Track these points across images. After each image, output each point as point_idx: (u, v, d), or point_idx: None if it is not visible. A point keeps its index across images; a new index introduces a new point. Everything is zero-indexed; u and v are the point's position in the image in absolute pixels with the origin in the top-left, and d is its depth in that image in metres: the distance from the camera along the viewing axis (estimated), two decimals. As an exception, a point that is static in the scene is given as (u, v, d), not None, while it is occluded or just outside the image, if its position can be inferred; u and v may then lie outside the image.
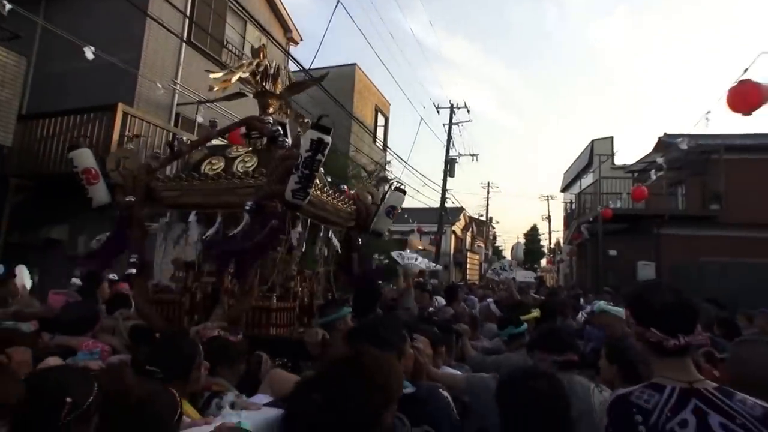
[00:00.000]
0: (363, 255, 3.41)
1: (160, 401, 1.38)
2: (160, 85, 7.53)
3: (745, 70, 4.77)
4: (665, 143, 15.42)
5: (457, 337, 3.15)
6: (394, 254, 4.13)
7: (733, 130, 14.07)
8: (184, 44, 9.32)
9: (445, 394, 1.95)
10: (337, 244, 3.12)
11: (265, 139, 2.91)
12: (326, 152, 2.30)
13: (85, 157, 2.71)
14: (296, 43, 14.11)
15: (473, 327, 4.52)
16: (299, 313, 2.93)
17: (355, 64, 18.88)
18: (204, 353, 1.97)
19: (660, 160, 11.00)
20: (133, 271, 2.63)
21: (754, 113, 4.68)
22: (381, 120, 21.24)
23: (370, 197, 3.44)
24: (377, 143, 20.37)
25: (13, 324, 2.47)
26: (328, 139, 2.28)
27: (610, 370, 2.34)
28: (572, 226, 19.32)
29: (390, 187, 3.35)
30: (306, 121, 3.14)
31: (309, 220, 2.81)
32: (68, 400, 1.27)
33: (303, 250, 2.89)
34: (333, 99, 11.20)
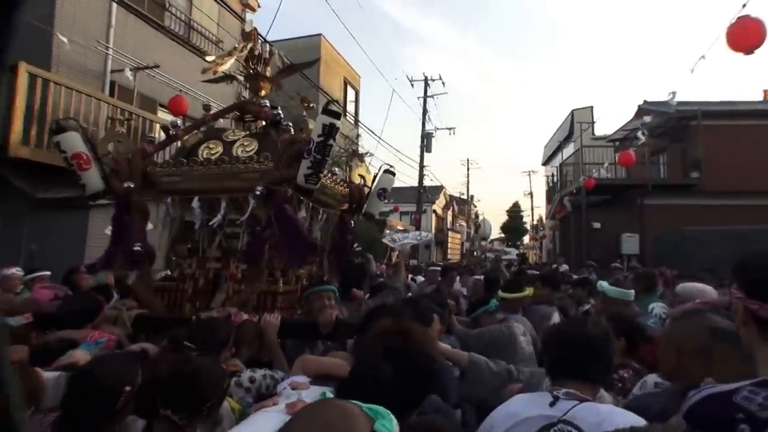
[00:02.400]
0: (355, 238, 3.64)
1: (213, 371, 1.63)
2: (65, 39, 6.85)
3: (744, 6, 4.77)
4: (645, 110, 16.08)
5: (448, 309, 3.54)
6: (386, 240, 4.37)
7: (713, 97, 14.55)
8: (114, 3, 8.71)
9: (453, 367, 2.29)
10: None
11: (260, 123, 3.09)
12: (336, 136, 2.50)
13: (73, 141, 2.71)
14: (253, 10, 13.54)
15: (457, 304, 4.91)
16: (300, 295, 3.16)
17: (320, 35, 18.81)
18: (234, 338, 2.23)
19: (642, 125, 11.53)
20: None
21: (754, 52, 4.60)
22: (351, 94, 21.25)
23: (361, 180, 3.66)
24: (347, 118, 20.39)
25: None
26: (339, 123, 2.48)
27: (616, 343, 2.62)
28: (555, 200, 19.91)
29: (380, 169, 3.56)
30: (312, 105, 3.31)
31: (311, 204, 3.01)
32: (126, 388, 1.51)
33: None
34: (313, 61, 11.14)
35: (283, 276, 3.04)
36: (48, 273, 4.92)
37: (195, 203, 2.77)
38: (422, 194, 24.39)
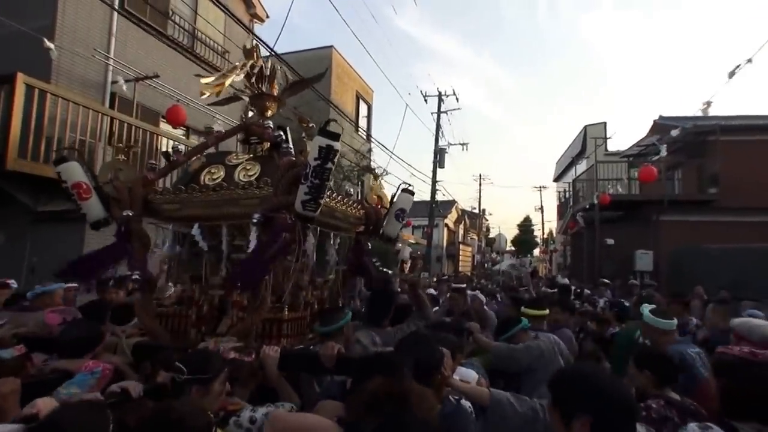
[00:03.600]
0: (372, 261, 3.47)
1: (198, 419, 1.46)
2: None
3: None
4: (661, 126, 15.79)
5: (467, 335, 3.37)
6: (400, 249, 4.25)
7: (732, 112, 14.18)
8: (115, 13, 8.45)
9: (467, 405, 2.07)
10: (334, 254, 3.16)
11: (266, 145, 2.94)
12: (336, 159, 2.33)
13: (73, 171, 2.67)
14: (261, 20, 13.32)
15: (482, 324, 4.69)
16: (309, 321, 2.99)
17: (332, 47, 18.54)
18: None
19: (657, 142, 11.28)
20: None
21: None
22: (364, 109, 21.17)
23: (378, 200, 3.48)
24: (360, 132, 20.34)
25: None
26: (338, 145, 2.29)
27: (642, 377, 2.46)
28: (566, 215, 19.63)
29: (398, 188, 3.38)
30: (311, 125, 3.16)
31: (318, 229, 2.84)
32: None
33: (315, 258, 2.93)
34: (320, 75, 10.94)
35: (292, 301, 2.88)
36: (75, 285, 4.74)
37: (195, 230, 2.63)
38: (434, 208, 24.26)
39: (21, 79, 6.10)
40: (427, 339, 2.18)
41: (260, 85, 3.03)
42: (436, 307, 5.54)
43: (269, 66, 3.03)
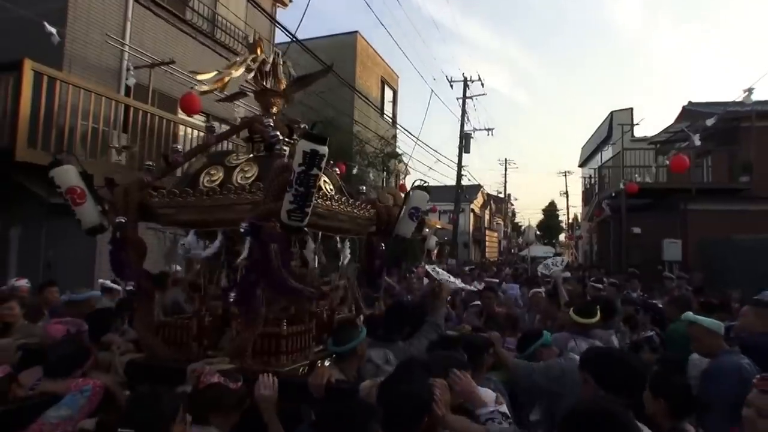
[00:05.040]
0: (384, 264, 3.21)
1: None
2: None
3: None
4: (690, 112, 14.87)
5: (488, 348, 3.02)
6: (429, 269, 4.00)
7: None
8: None
9: None
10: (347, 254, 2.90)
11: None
12: (323, 165, 2.06)
13: (67, 175, 2.47)
14: (284, 4, 12.79)
15: (513, 326, 4.31)
16: (317, 332, 2.74)
17: (356, 32, 18.03)
18: (198, 401, 1.83)
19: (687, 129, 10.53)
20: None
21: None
22: (389, 94, 20.69)
23: (391, 199, 3.21)
24: (385, 118, 19.94)
25: None
26: (324, 149, 2.02)
27: (654, 405, 2.11)
28: (592, 202, 18.94)
29: (411, 186, 3.11)
30: (303, 126, 2.88)
31: (320, 234, 2.59)
32: None
33: (318, 264, 2.68)
34: (329, 68, 10.55)
35: (295, 314, 2.65)
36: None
37: (190, 236, 2.40)
38: (460, 194, 23.83)
39: (28, 65, 5.75)
40: (412, 378, 1.82)
41: (265, 81, 2.76)
42: (474, 305, 5.26)
43: (271, 60, 2.74)
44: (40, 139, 5.88)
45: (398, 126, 19.98)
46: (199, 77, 2.57)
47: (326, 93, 12.56)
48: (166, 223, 2.62)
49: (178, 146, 2.76)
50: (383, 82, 20.03)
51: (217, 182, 2.49)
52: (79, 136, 6.41)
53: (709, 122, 10.46)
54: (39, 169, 5.89)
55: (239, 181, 2.43)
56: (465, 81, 21.75)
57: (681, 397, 2.16)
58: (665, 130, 16.46)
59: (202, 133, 8.25)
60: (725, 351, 2.86)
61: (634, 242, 13.73)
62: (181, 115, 8.21)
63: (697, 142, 10.40)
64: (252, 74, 2.62)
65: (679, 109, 15.64)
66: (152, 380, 2.32)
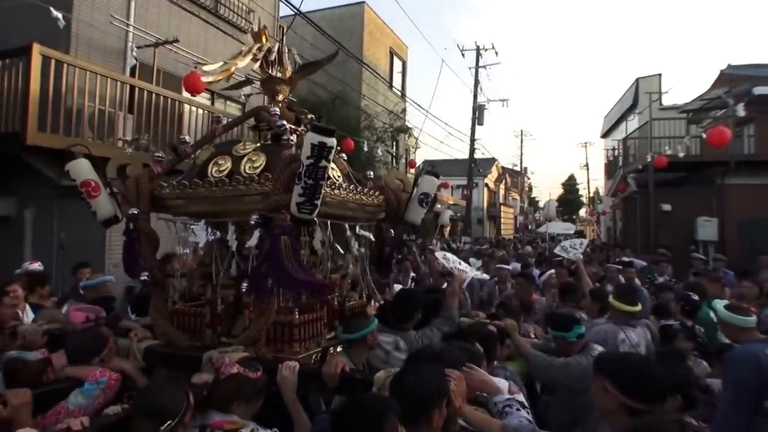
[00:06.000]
0: (394, 250, 3.35)
1: None
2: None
3: None
4: (729, 77, 14.17)
5: (503, 338, 3.15)
6: (438, 255, 4.10)
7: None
8: None
9: None
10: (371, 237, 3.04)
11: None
12: (331, 157, 2.18)
13: (82, 169, 2.64)
14: None
15: (526, 311, 4.45)
16: (328, 320, 2.92)
17: (363, 2, 18.02)
18: (219, 391, 2.02)
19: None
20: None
21: None
22: (398, 65, 20.60)
23: (400, 184, 3.32)
24: (394, 90, 19.88)
25: (18, 353, 2.49)
26: (332, 141, 2.14)
27: (672, 401, 2.27)
28: (616, 176, 18.53)
29: (421, 171, 3.22)
30: (309, 116, 2.99)
31: (329, 222, 2.72)
32: None
33: (329, 252, 2.84)
34: (335, 42, 10.67)
35: (307, 302, 2.82)
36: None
37: (200, 227, 2.57)
38: (473, 168, 23.78)
39: (37, 50, 6.05)
40: (426, 370, 1.88)
41: (270, 69, 2.88)
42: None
43: (277, 48, 2.85)
44: (50, 122, 6.21)
45: (408, 99, 19.93)
46: (205, 68, 2.70)
47: (333, 67, 12.59)
48: (177, 213, 2.79)
49: (186, 137, 2.89)
50: (392, 54, 19.94)
51: (225, 172, 2.64)
52: (87, 118, 6.74)
53: (758, 90, 9.93)
54: (49, 152, 6.27)
55: (247, 171, 2.57)
56: (477, 49, 21.59)
57: (694, 394, 2.33)
58: (699, 98, 15.89)
59: (206, 112, 8.46)
60: (754, 340, 2.87)
61: (663, 220, 13.43)
62: (186, 94, 8.46)
63: (741, 112, 9.93)
64: (258, 64, 2.73)
65: (716, 74, 14.99)
66: (169, 366, 2.56)
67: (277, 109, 2.71)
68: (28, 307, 3.84)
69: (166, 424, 1.70)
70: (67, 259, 6.43)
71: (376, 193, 3.05)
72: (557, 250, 6.20)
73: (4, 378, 2.29)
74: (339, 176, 2.91)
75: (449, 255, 4.06)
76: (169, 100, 7.86)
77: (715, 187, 12.91)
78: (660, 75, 18.16)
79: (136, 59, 8.14)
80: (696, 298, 4.57)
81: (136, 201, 2.64)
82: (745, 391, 2.57)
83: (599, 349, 3.04)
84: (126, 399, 2.26)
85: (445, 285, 4.40)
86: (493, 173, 37.32)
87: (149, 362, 2.64)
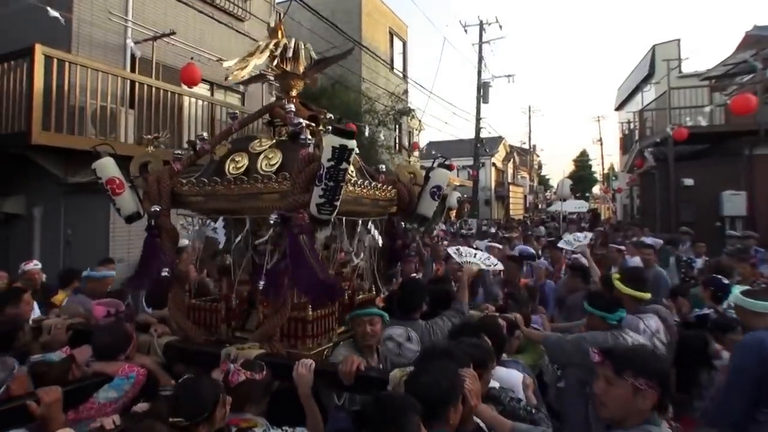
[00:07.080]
0: (406, 243, 3.52)
1: None
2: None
3: None
4: (756, 38, 13.66)
5: (512, 331, 3.35)
6: (451, 251, 4.25)
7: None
8: None
9: None
10: (377, 236, 3.18)
11: (288, 129, 2.98)
12: (351, 159, 2.32)
13: (107, 167, 2.84)
14: None
15: (532, 298, 4.68)
16: (339, 315, 3.11)
17: (360, -18, 18.08)
18: (232, 397, 2.17)
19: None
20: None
21: None
22: (398, 46, 20.65)
23: (412, 177, 3.47)
24: (395, 72, 19.95)
25: (41, 356, 2.70)
26: (353, 144, 2.30)
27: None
28: (632, 151, 18.50)
29: (432, 163, 3.36)
30: (328, 116, 3.14)
31: (344, 219, 2.88)
32: None
33: (341, 248, 3.02)
34: (333, 25, 10.78)
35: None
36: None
37: (219, 223, 2.78)
38: (480, 147, 23.86)
39: (39, 50, 6.39)
40: (440, 368, 1.97)
41: (284, 64, 3.05)
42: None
43: (293, 45, 3.02)
44: (53, 121, 6.56)
45: (409, 80, 19.97)
46: (225, 64, 2.87)
47: (333, 51, 12.73)
48: (196, 210, 3.02)
49: (204, 134, 3.09)
50: (391, 34, 20.01)
51: (242, 169, 2.85)
52: (89, 115, 7.11)
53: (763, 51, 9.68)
54: (54, 151, 6.69)
55: (264, 169, 2.78)
56: (480, 24, 21.56)
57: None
58: (723, 63, 15.57)
59: (206, 103, 8.85)
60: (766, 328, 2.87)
61: (685, 196, 13.30)
62: (186, 88, 8.86)
63: (751, 75, 9.75)
64: (276, 61, 2.92)
65: (740, 37, 14.63)
66: (188, 362, 2.81)
67: (292, 106, 2.89)
68: (35, 305, 4.12)
69: (201, 416, 1.91)
70: (73, 255, 6.89)
71: (389, 188, 3.21)
72: (561, 244, 6.32)
73: (33, 381, 2.48)
74: (352, 170, 3.03)
75: (462, 249, 4.19)
76: (169, 93, 8.21)
77: (743, 158, 12.60)
78: (678, 41, 17.85)
79: (134, 54, 8.52)
80: (726, 281, 4.28)
81: (157, 198, 2.86)
82: (747, 377, 2.71)
83: (631, 334, 3.06)
84: (149, 395, 2.48)
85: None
86: (501, 152, 37.35)
87: (168, 357, 2.86)
